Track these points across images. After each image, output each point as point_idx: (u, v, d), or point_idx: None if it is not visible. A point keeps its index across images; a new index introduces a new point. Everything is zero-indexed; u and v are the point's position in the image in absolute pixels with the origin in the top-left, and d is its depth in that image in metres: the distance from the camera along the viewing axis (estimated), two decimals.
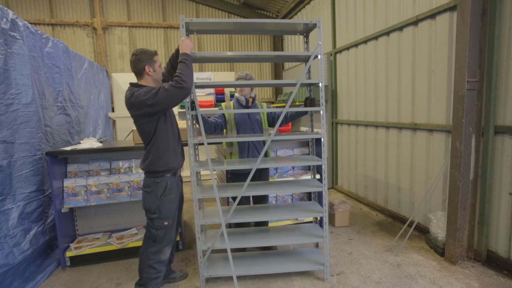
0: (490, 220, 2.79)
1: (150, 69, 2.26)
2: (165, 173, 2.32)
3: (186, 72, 2.16)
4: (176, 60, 2.51)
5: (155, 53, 2.30)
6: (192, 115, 2.51)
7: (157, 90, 2.12)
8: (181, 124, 3.51)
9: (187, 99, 2.45)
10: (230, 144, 3.06)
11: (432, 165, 3.37)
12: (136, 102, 2.15)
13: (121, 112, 6.34)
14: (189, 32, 2.64)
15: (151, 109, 2.15)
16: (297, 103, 5.32)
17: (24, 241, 2.62)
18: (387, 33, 3.93)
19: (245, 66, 8.18)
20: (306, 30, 2.77)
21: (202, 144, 2.61)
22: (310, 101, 2.75)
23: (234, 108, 3.06)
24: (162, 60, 7.63)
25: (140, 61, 2.23)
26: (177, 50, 2.47)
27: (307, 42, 2.84)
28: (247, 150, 3.00)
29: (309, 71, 2.80)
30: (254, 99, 3.06)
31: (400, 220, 3.86)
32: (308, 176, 3.47)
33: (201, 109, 2.50)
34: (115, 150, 3.28)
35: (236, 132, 2.99)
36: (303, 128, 5.50)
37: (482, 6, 2.65)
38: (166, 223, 2.34)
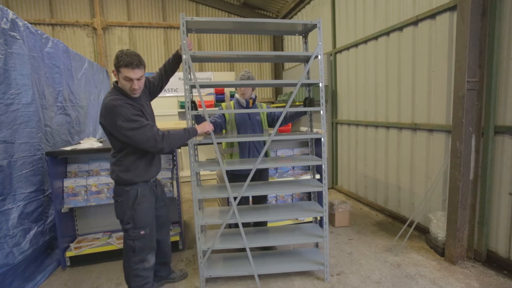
0: (490, 220, 2.80)
1: (117, 76, 2.09)
2: (135, 182, 2.19)
3: (176, 139, 2.13)
4: (171, 65, 2.47)
5: (125, 66, 2.01)
6: (192, 115, 2.51)
7: (139, 126, 2.00)
8: (181, 124, 3.51)
9: (188, 100, 2.45)
10: (230, 145, 3.05)
11: (432, 165, 3.37)
12: (112, 120, 2.00)
13: None
14: (188, 31, 2.64)
15: (123, 138, 2.04)
16: (297, 103, 5.32)
17: (24, 241, 2.62)
18: (387, 33, 3.93)
19: (245, 66, 8.19)
20: (305, 31, 2.77)
21: (202, 144, 2.62)
22: (309, 101, 2.75)
23: (234, 109, 3.06)
24: (161, 60, 7.64)
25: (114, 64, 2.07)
26: (175, 55, 2.45)
27: (305, 43, 2.84)
28: (248, 151, 3.00)
29: (309, 71, 2.80)
30: (254, 100, 3.06)
31: (400, 220, 3.86)
32: (308, 176, 3.47)
33: (200, 109, 2.50)
34: None
35: (236, 132, 2.99)
36: (303, 128, 5.50)
37: (482, 6, 2.66)
38: (142, 232, 2.21)
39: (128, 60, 1.99)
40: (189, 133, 2.22)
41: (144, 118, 2.10)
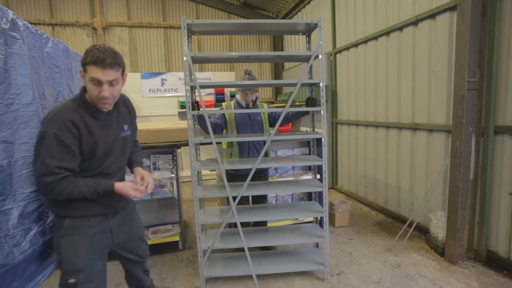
0: (490, 220, 2.80)
1: (83, 77, 1.53)
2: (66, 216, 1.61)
3: (74, 193, 1.51)
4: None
5: (93, 63, 1.45)
6: (193, 115, 2.51)
7: (36, 157, 1.50)
8: (182, 124, 3.52)
9: (188, 99, 2.45)
10: (230, 145, 3.05)
11: (432, 165, 3.37)
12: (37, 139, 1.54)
13: None
14: (191, 33, 2.64)
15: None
16: (297, 103, 5.32)
17: (24, 241, 2.61)
18: (387, 33, 3.93)
19: (245, 66, 8.19)
20: (308, 30, 2.76)
21: (203, 144, 2.62)
22: (312, 101, 2.74)
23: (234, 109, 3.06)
24: (161, 60, 7.65)
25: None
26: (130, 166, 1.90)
27: (309, 42, 2.83)
28: (247, 151, 3.00)
29: (310, 71, 2.80)
30: (255, 101, 3.06)
31: (400, 220, 3.87)
32: (308, 176, 3.47)
33: (201, 108, 2.50)
34: None
35: (236, 133, 2.99)
36: (303, 128, 5.50)
37: (482, 6, 2.66)
38: (71, 280, 1.58)
39: (98, 56, 1.44)
40: (94, 192, 1.55)
41: (74, 153, 1.52)
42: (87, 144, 1.55)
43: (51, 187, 1.48)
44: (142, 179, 1.75)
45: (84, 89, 1.57)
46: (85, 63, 1.48)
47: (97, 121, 1.59)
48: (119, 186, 1.61)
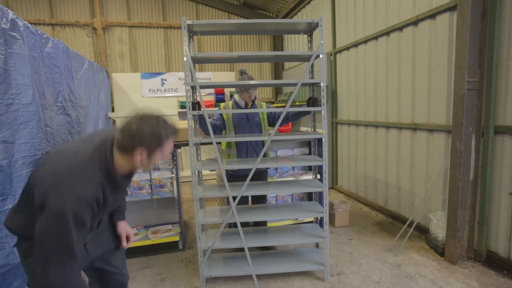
0: (490, 220, 2.80)
1: (144, 157, 1.33)
2: None
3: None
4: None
5: (169, 137, 1.36)
6: (193, 115, 2.51)
7: (55, 246, 1.20)
8: (182, 124, 3.52)
9: (189, 99, 2.45)
10: (228, 146, 3.05)
11: (432, 165, 3.37)
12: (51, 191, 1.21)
13: (121, 112, 6.34)
14: (191, 33, 2.64)
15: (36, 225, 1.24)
16: (297, 103, 5.32)
17: None
18: (387, 33, 3.93)
19: (245, 66, 8.18)
20: (309, 29, 2.76)
21: (203, 144, 2.62)
22: (313, 101, 2.74)
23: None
24: (161, 60, 7.66)
25: (139, 138, 1.29)
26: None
27: (311, 41, 2.83)
28: (245, 152, 3.00)
29: (311, 71, 2.80)
30: (253, 101, 3.06)
31: (400, 220, 3.87)
32: (307, 176, 3.47)
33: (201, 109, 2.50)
34: None
35: (234, 134, 2.99)
36: (303, 128, 5.50)
37: (482, 6, 2.66)
38: None
39: (173, 128, 1.40)
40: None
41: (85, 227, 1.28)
42: (96, 218, 1.39)
43: (62, 281, 1.22)
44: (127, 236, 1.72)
45: (110, 153, 1.34)
46: (167, 136, 1.35)
47: (114, 189, 1.40)
48: None
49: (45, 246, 1.19)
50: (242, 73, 3.01)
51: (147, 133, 1.29)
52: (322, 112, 2.55)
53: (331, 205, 3.81)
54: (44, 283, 1.20)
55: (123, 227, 1.72)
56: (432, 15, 3.22)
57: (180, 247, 3.31)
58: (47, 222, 1.19)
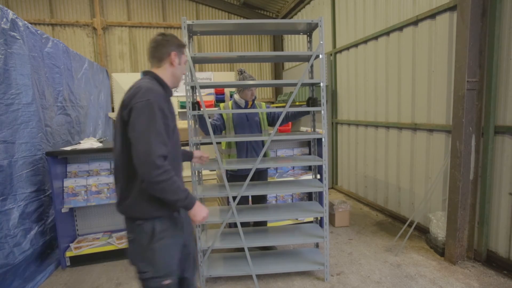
0: (490, 220, 2.80)
1: (176, 58, 1.60)
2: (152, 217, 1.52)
3: (172, 189, 1.41)
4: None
5: (186, 47, 1.71)
6: (193, 115, 2.51)
7: (146, 140, 1.37)
8: (182, 124, 3.52)
9: (189, 99, 2.46)
10: (228, 146, 3.05)
11: (432, 165, 3.37)
12: (138, 100, 1.42)
13: None
14: (191, 33, 2.64)
15: (127, 130, 1.43)
16: (297, 103, 5.32)
17: (24, 241, 2.62)
18: (387, 33, 3.93)
19: (245, 66, 8.18)
20: (310, 29, 2.76)
21: (203, 144, 2.62)
22: (313, 101, 2.74)
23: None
24: None
25: (168, 44, 1.58)
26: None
27: (310, 42, 2.83)
28: (245, 152, 2.99)
29: (311, 71, 2.80)
30: (253, 101, 3.06)
31: (400, 220, 3.87)
32: (307, 176, 3.47)
33: (202, 109, 2.50)
34: None
35: (234, 134, 2.99)
36: (303, 128, 5.50)
37: (482, 6, 2.66)
38: (167, 281, 1.54)
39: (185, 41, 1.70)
40: (186, 198, 1.47)
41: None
42: (170, 124, 1.53)
43: (163, 170, 1.36)
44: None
45: (155, 74, 1.59)
46: (183, 46, 1.64)
47: (170, 105, 1.60)
48: (199, 206, 1.54)
49: (143, 132, 1.37)
50: (241, 72, 3.01)
51: (169, 37, 1.60)
52: (322, 112, 2.55)
53: (331, 205, 3.81)
54: (146, 171, 1.35)
55: (197, 152, 2.20)
56: (432, 15, 3.22)
57: None
58: (141, 115, 1.38)
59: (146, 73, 1.61)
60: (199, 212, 1.53)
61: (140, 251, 1.51)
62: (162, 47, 1.59)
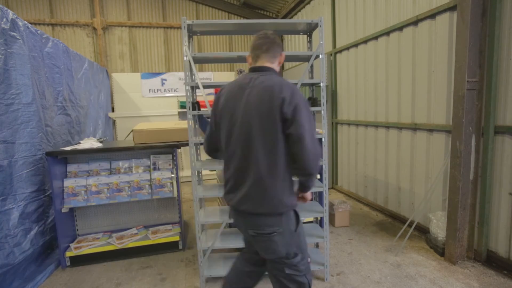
0: (490, 220, 2.80)
1: (281, 60, 1.72)
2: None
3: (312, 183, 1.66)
4: None
5: None
6: (193, 115, 2.51)
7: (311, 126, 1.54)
8: (182, 124, 3.52)
9: (189, 99, 2.46)
10: None
11: (432, 165, 3.37)
12: (295, 100, 1.51)
13: (121, 112, 6.34)
14: (191, 33, 2.64)
15: (292, 128, 1.50)
16: None
17: (24, 241, 2.62)
18: (387, 33, 3.93)
19: (245, 66, 8.17)
20: (309, 29, 2.76)
21: (203, 144, 2.62)
22: (313, 101, 2.74)
23: None
24: (161, 60, 7.65)
25: (280, 44, 1.70)
26: None
27: (310, 42, 2.83)
28: None
29: (311, 71, 2.80)
30: None
31: (400, 220, 3.87)
32: None
33: (205, 108, 2.50)
34: (115, 150, 3.28)
35: None
36: None
37: (482, 6, 2.66)
38: (309, 260, 1.75)
39: None
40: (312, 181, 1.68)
41: None
42: None
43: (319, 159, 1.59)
44: None
45: (276, 72, 1.69)
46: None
47: None
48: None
49: (309, 128, 1.49)
50: (241, 72, 3.01)
51: (277, 38, 1.70)
52: (322, 112, 2.55)
53: (331, 205, 3.81)
54: (315, 161, 1.52)
55: None
56: (432, 15, 3.22)
57: (180, 247, 3.31)
58: (305, 112, 1.50)
59: (265, 69, 1.64)
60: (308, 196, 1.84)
61: (289, 238, 1.60)
62: (277, 46, 1.67)
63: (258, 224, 1.55)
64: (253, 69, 1.65)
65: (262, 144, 1.48)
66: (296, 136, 1.45)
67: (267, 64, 1.65)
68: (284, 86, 1.51)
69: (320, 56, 2.49)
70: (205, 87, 2.65)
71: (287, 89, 1.50)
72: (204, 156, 4.10)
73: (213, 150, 1.80)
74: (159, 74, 6.53)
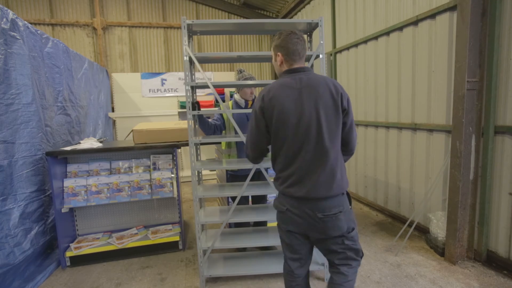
0: (490, 220, 2.80)
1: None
2: None
3: None
4: None
5: None
6: (193, 115, 2.51)
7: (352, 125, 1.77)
8: (182, 124, 3.52)
9: (189, 99, 2.46)
10: (228, 146, 3.05)
11: (432, 165, 3.37)
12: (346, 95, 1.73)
13: (121, 112, 6.34)
14: (191, 33, 2.64)
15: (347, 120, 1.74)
16: None
17: (25, 241, 2.62)
18: (387, 33, 3.93)
19: (245, 66, 8.18)
20: (309, 29, 2.76)
21: (203, 144, 2.62)
22: None
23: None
24: (161, 60, 7.65)
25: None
26: None
27: (310, 42, 2.83)
28: None
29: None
30: (253, 101, 3.06)
31: (400, 220, 3.87)
32: None
33: (205, 108, 2.50)
34: (115, 150, 3.28)
35: (234, 134, 2.99)
36: None
37: (482, 6, 2.66)
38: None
39: None
40: None
41: None
42: None
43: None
44: None
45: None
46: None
47: None
48: None
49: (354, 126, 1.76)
50: (240, 71, 3.02)
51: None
52: None
53: None
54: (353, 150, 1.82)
55: None
56: (432, 15, 3.22)
57: (180, 247, 3.31)
58: (350, 105, 1.73)
59: (306, 69, 1.76)
60: None
61: (349, 214, 1.76)
62: (306, 48, 1.83)
63: (327, 206, 1.68)
64: (294, 70, 1.74)
65: (328, 134, 1.65)
66: (350, 124, 1.72)
67: (305, 64, 1.81)
68: (333, 82, 1.72)
69: (320, 56, 2.50)
70: (204, 87, 2.65)
71: (337, 85, 1.71)
72: (204, 156, 4.09)
73: (260, 155, 1.86)
74: (159, 74, 6.53)
